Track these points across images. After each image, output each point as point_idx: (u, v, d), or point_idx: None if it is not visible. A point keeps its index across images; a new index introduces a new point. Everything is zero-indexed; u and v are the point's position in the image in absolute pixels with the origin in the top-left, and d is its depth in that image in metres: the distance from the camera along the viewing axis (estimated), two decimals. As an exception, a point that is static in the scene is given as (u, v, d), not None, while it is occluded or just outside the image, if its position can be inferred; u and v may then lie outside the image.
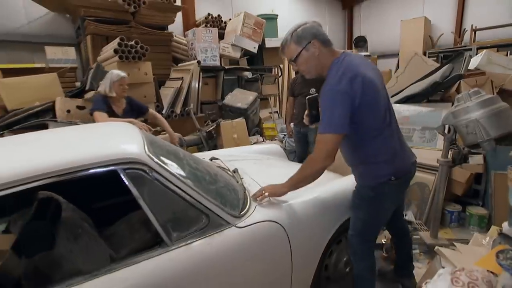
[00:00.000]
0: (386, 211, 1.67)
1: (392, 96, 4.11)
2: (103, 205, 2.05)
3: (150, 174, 1.29)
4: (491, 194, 2.88)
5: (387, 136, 1.54)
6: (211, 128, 3.82)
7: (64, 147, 1.38)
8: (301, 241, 1.59)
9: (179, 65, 4.96)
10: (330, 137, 1.42)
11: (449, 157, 2.55)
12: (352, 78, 1.39)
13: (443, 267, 1.73)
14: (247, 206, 1.54)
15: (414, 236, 2.77)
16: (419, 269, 2.37)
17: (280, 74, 6.43)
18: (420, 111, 3.66)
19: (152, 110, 3.04)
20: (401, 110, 3.77)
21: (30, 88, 3.27)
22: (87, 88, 3.35)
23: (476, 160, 3.04)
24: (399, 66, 6.62)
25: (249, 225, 1.44)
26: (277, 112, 5.99)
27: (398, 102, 3.90)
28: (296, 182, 1.59)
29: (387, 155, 1.53)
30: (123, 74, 2.67)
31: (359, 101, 1.39)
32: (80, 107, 3.23)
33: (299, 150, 3.67)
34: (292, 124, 3.63)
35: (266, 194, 1.61)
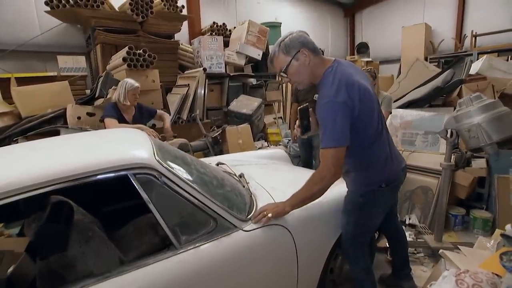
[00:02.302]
0: (377, 216, 1.65)
1: (394, 101, 4.11)
2: (113, 209, 2.07)
3: (160, 178, 1.31)
4: (495, 198, 2.85)
5: (380, 143, 1.52)
6: (217, 134, 3.83)
7: (77, 153, 1.41)
8: (306, 244, 1.59)
9: (185, 72, 5.01)
10: (335, 151, 1.37)
11: (452, 161, 2.54)
12: (349, 87, 1.35)
13: (447, 270, 1.72)
14: (254, 210, 1.55)
15: (418, 240, 2.74)
16: (424, 272, 2.35)
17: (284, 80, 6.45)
18: (423, 116, 3.64)
19: (160, 111, 3.09)
20: (403, 115, 3.76)
21: (42, 95, 3.33)
22: (97, 95, 3.40)
23: (479, 163, 3.02)
24: (401, 71, 6.62)
25: (255, 229, 1.44)
26: (281, 117, 6.00)
27: (400, 107, 3.89)
28: (302, 200, 1.49)
29: (379, 163, 1.53)
30: (137, 84, 2.73)
31: (358, 111, 1.37)
32: (90, 114, 3.27)
33: (303, 155, 3.67)
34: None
35: (270, 215, 1.47)
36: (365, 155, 1.50)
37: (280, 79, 6.36)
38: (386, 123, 3.00)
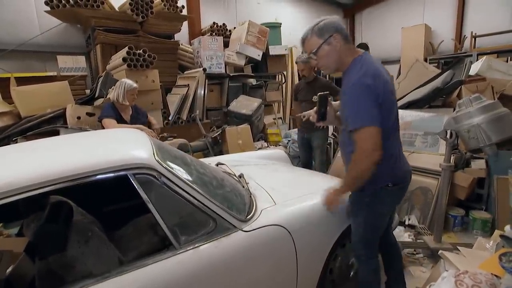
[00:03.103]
0: (384, 216, 1.64)
1: (394, 102, 4.11)
2: (112, 209, 2.07)
3: (159, 179, 1.31)
4: (494, 198, 2.86)
5: (393, 141, 1.51)
6: (217, 134, 3.83)
7: (76, 153, 1.41)
8: (306, 245, 1.59)
9: (185, 72, 5.01)
10: (369, 130, 1.35)
11: (451, 161, 2.54)
12: (375, 76, 1.37)
13: (447, 271, 1.72)
14: (253, 211, 1.55)
15: (418, 240, 2.74)
16: (423, 273, 2.35)
17: (283, 80, 6.46)
18: (422, 117, 3.65)
19: (150, 116, 3.12)
20: (403, 116, 3.77)
21: (42, 95, 3.33)
22: (96, 95, 3.39)
23: (478, 164, 3.02)
24: (401, 72, 6.62)
25: (255, 229, 1.44)
26: (281, 118, 6.01)
27: (400, 107, 3.89)
28: (349, 186, 1.52)
29: (389, 161, 1.50)
30: (135, 84, 2.78)
31: (381, 100, 1.37)
32: (89, 114, 3.27)
33: (303, 155, 3.67)
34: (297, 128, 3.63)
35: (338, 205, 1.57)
36: None
37: (280, 79, 6.37)
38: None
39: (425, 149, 3.50)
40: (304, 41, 1.51)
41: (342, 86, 1.50)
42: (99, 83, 3.46)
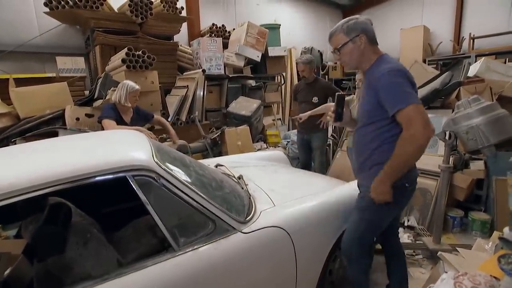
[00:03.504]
0: (390, 217, 1.63)
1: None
2: (111, 210, 2.06)
3: (158, 180, 1.31)
4: (493, 199, 2.86)
5: None
6: (216, 135, 3.83)
7: (75, 154, 1.40)
8: (305, 247, 1.59)
9: (184, 73, 5.01)
10: (415, 108, 1.33)
11: (450, 163, 2.54)
12: (406, 69, 1.43)
13: (446, 272, 1.72)
14: (252, 212, 1.55)
15: (417, 242, 2.75)
16: (422, 274, 2.35)
17: (283, 82, 6.46)
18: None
19: (157, 116, 3.13)
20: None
21: (41, 96, 3.32)
22: (95, 96, 3.39)
23: (477, 165, 3.03)
24: (400, 73, 6.62)
25: (254, 231, 1.44)
26: (280, 119, 6.01)
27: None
28: (401, 166, 1.40)
29: None
30: (138, 86, 2.80)
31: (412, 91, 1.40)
32: (88, 115, 3.27)
33: (302, 157, 3.67)
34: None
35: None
36: (388, 145, 1.45)
37: (279, 80, 6.37)
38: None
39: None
40: (331, 36, 1.56)
41: (366, 81, 1.53)
42: (98, 84, 3.46)
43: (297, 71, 4.82)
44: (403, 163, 1.41)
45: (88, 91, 3.93)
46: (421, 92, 3.83)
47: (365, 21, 1.50)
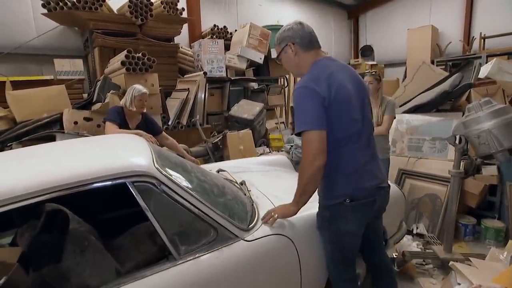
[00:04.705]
0: (350, 235, 1.52)
1: (400, 106, 4.11)
2: (110, 217, 2.06)
3: (159, 187, 1.31)
4: (507, 206, 2.83)
5: (351, 149, 1.46)
6: (217, 139, 3.84)
7: (73, 160, 1.41)
8: (310, 254, 1.58)
9: (185, 76, 5.04)
10: (311, 134, 1.37)
11: (461, 168, 2.52)
12: (324, 79, 1.40)
13: (459, 284, 1.70)
14: (255, 219, 1.54)
15: (427, 250, 2.72)
16: (433, 285, 2.32)
17: (286, 84, 6.47)
18: (430, 121, 3.64)
19: (164, 133, 2.99)
20: (410, 120, 3.76)
21: (38, 100, 3.35)
22: (94, 99, 3.41)
23: (489, 171, 3.00)
24: (407, 75, 6.62)
25: (257, 239, 1.44)
26: (283, 122, 6.00)
27: (406, 112, 3.89)
28: (300, 195, 1.48)
29: (343, 172, 1.46)
30: (144, 90, 2.72)
31: (328, 103, 1.38)
32: (87, 119, 3.28)
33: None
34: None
35: (276, 216, 1.52)
36: (329, 160, 1.41)
37: (282, 83, 6.39)
38: (391, 128, 2.99)
39: (433, 154, 3.48)
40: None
41: None
42: (97, 87, 3.48)
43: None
44: (303, 191, 1.46)
45: (86, 94, 3.96)
46: (430, 95, 3.82)
47: (292, 28, 1.52)
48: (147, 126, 2.80)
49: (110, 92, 3.35)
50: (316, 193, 1.51)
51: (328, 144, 1.39)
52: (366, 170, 1.50)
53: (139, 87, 2.71)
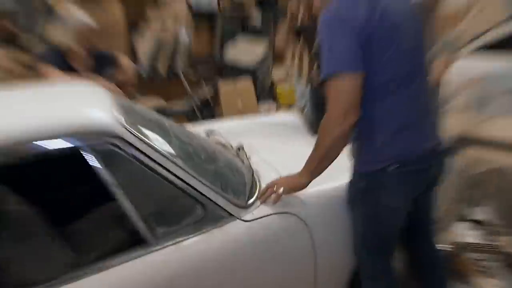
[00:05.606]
0: (393, 212, 1.54)
1: (462, 46, 4.01)
2: (62, 195, 2.10)
3: (126, 150, 1.30)
4: None
5: (400, 97, 1.41)
6: (207, 93, 3.84)
7: (7, 116, 1.39)
8: (328, 239, 1.62)
9: (160, 4, 4.92)
10: (341, 79, 1.31)
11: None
12: (359, 3, 1.33)
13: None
14: (256, 193, 1.57)
15: (490, 243, 2.75)
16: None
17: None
18: (503, 67, 3.57)
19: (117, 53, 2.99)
20: (474, 66, 3.68)
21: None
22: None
23: None
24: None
25: (258, 218, 1.47)
26: (297, 71, 5.92)
27: (469, 54, 3.80)
28: (317, 163, 1.47)
29: (391, 127, 1.42)
30: (87, 20, 2.67)
31: (368, 34, 1.31)
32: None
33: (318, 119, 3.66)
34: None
35: (280, 190, 1.51)
36: (368, 113, 1.39)
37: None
38: (444, 76, 2.93)
39: (505, 113, 3.45)
40: None
41: None
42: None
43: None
44: (322, 157, 1.44)
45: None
46: (507, 29, 3.72)
47: None
48: (103, 65, 2.77)
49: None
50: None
51: (367, 92, 1.35)
52: (419, 127, 1.48)
53: (80, 17, 2.66)
